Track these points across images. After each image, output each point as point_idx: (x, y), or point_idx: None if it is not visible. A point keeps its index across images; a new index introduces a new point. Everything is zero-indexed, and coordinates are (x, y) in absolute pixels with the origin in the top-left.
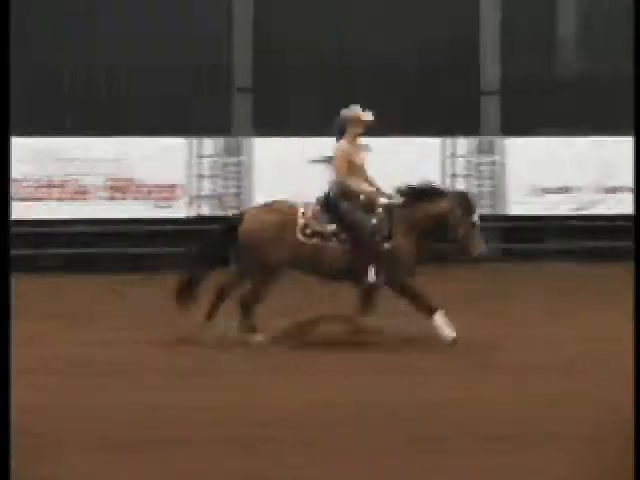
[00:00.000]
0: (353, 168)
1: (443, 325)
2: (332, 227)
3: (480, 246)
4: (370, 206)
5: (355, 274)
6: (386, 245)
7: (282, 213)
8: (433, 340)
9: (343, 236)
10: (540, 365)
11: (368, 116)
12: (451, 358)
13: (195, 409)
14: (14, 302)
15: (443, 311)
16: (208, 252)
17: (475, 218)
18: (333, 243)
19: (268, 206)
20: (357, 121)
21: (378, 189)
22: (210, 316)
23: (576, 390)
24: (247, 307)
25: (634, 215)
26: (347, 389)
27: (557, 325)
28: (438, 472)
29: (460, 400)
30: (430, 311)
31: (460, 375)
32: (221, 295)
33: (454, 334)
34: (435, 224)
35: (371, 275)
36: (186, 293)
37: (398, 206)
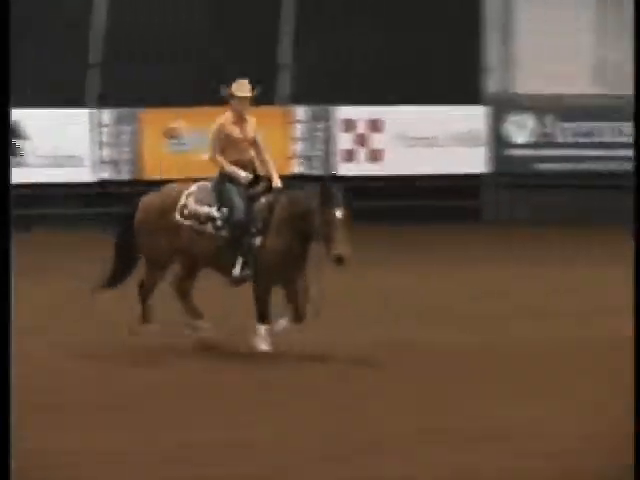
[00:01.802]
0: (232, 146)
1: (263, 337)
2: (210, 209)
3: (342, 247)
4: (262, 192)
5: (223, 265)
6: (257, 240)
7: (168, 194)
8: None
9: (219, 222)
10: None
11: (243, 92)
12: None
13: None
14: None
15: (269, 327)
16: (121, 241)
17: (337, 213)
18: (208, 227)
19: (163, 189)
20: (235, 96)
21: (268, 171)
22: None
23: None
24: (144, 295)
25: (634, 210)
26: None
27: None
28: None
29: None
30: (263, 320)
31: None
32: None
33: (268, 349)
34: (302, 220)
35: (237, 269)
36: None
37: (280, 195)
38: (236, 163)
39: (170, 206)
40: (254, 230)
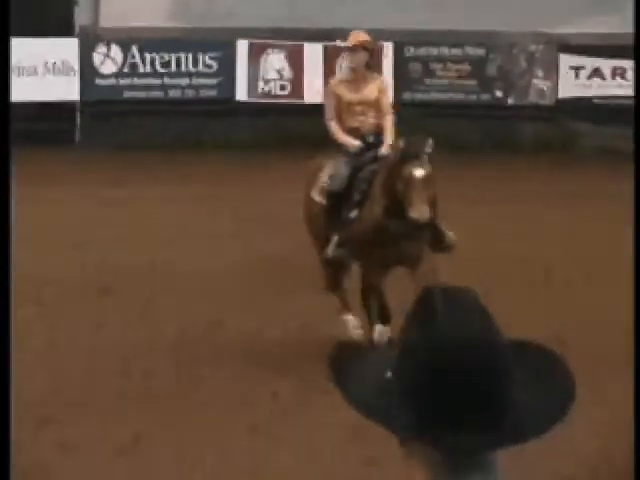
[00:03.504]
0: (346, 109)
1: (352, 327)
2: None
3: (420, 208)
4: (368, 160)
5: (324, 241)
6: (352, 214)
7: (311, 171)
8: None
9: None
10: None
11: (352, 42)
12: None
13: None
14: None
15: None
16: None
17: (416, 172)
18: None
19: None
20: (346, 50)
21: (384, 137)
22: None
23: None
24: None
25: (634, 210)
26: None
27: None
28: None
29: None
30: (381, 319)
31: None
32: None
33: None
34: (390, 184)
35: (330, 246)
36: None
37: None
38: (352, 130)
39: (311, 183)
40: (351, 203)
